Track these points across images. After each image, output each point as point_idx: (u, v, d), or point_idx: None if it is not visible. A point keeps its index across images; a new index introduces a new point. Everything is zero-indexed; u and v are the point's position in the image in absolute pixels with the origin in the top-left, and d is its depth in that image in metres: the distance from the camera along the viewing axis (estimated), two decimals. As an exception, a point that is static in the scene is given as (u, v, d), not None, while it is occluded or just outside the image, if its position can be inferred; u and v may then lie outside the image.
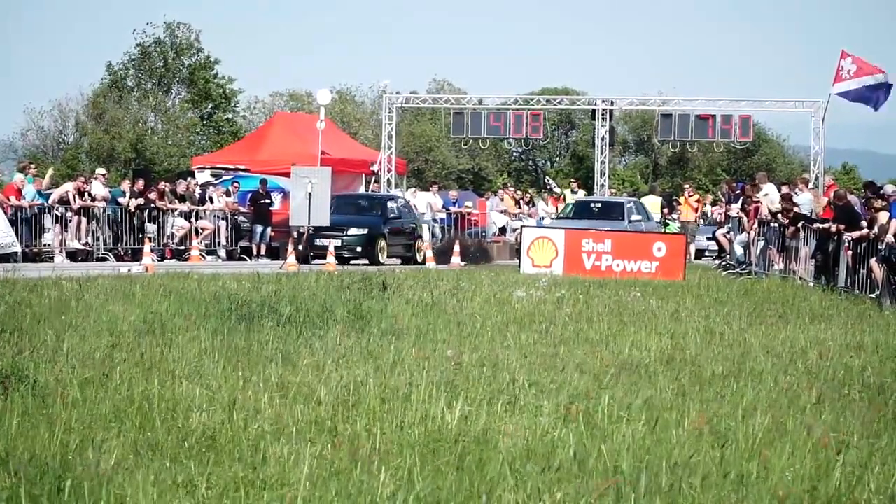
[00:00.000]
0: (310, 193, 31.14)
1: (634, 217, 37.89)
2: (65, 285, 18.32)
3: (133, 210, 33.17)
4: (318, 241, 32.67)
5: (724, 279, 27.59)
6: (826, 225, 25.80)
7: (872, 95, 38.02)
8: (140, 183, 34.47)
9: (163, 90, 69.33)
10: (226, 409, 8.91)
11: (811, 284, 25.45)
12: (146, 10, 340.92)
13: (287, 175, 34.35)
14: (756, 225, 30.75)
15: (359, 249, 33.69)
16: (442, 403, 9.11)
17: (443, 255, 34.85)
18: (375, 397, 9.44)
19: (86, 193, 32.16)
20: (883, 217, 22.64)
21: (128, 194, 33.59)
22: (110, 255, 32.22)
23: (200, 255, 34.07)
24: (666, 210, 45.35)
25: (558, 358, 12.29)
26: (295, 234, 32.17)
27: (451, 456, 7.64)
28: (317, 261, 31.93)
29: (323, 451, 7.72)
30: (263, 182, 37.27)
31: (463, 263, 33.25)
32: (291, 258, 29.78)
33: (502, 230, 43.31)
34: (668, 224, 44.25)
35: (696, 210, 46.05)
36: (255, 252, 36.21)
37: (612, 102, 44.58)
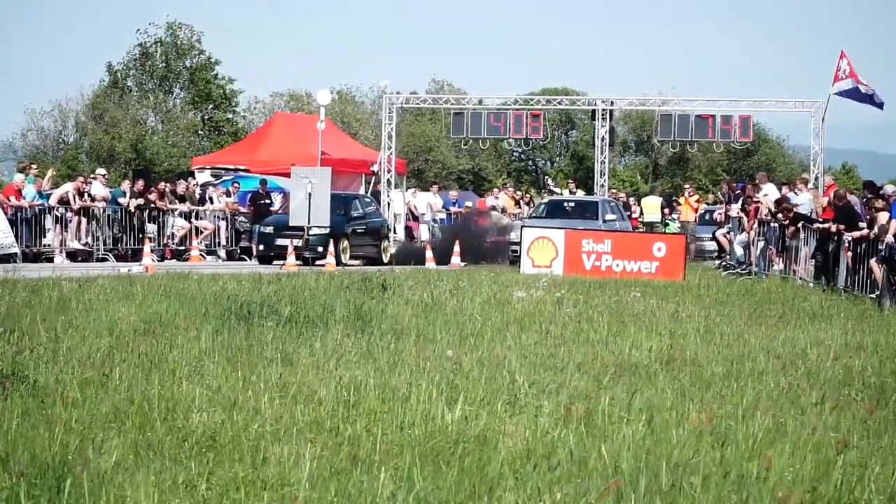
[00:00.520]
0: (310, 194, 31.15)
1: (609, 216, 36.83)
2: (65, 285, 18.31)
3: (133, 210, 33.17)
4: (279, 241, 31.98)
5: (724, 279, 27.59)
6: (826, 225, 25.79)
7: (872, 95, 38.16)
8: (140, 183, 34.47)
9: (163, 91, 69.29)
10: (226, 409, 8.91)
11: (811, 285, 25.44)
12: (146, 11, 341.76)
13: (287, 175, 34.33)
14: (756, 225, 30.75)
15: (320, 249, 31.86)
16: (442, 404, 9.11)
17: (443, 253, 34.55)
18: (375, 397, 9.44)
19: (86, 194, 32.15)
20: (883, 217, 22.63)
21: (128, 194, 33.59)
22: (110, 255, 32.22)
23: (200, 255, 34.09)
24: (666, 210, 45.34)
25: (558, 358, 12.30)
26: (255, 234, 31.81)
27: (451, 456, 7.64)
28: (277, 261, 31.28)
29: (323, 452, 7.72)
30: (263, 182, 37.30)
31: (463, 264, 33.21)
32: (291, 258, 29.81)
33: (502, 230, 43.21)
34: (668, 224, 44.23)
35: (696, 210, 46.01)
36: (254, 252, 36.19)
37: (611, 102, 44.54)
